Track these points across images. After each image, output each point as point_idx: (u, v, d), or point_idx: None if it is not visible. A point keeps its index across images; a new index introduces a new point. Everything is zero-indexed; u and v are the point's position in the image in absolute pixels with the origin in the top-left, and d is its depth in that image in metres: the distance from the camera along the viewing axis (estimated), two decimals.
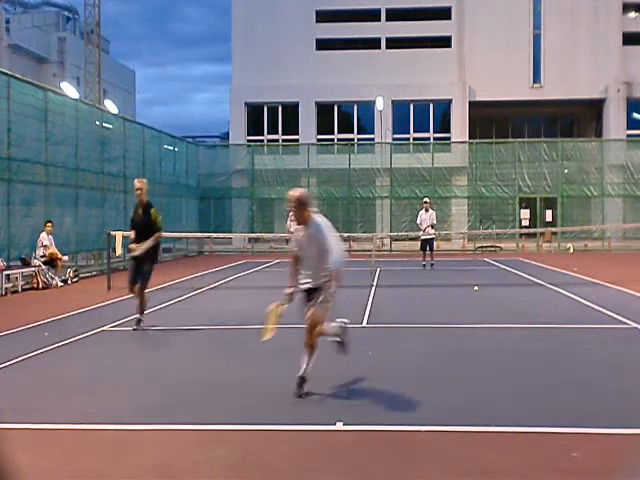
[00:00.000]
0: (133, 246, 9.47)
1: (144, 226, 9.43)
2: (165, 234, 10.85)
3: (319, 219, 5.95)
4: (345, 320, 6.46)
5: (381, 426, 5.03)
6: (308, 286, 6.04)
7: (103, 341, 8.81)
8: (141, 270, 9.40)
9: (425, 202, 19.12)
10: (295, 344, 8.44)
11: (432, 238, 18.95)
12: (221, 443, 4.79)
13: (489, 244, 28.36)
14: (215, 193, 30.13)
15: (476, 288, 13.72)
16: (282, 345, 8.38)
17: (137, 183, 9.81)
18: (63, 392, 6.22)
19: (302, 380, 5.88)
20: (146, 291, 9.64)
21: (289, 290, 6.16)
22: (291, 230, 20.55)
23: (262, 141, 35.76)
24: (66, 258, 16.24)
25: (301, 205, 5.89)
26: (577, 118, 40.40)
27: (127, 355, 8.02)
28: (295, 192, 5.95)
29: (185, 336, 9.24)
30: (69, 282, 15.94)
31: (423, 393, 6.04)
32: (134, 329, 9.36)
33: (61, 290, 15.00)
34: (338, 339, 6.38)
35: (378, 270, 17.53)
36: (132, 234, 9.59)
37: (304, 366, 5.93)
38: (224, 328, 9.63)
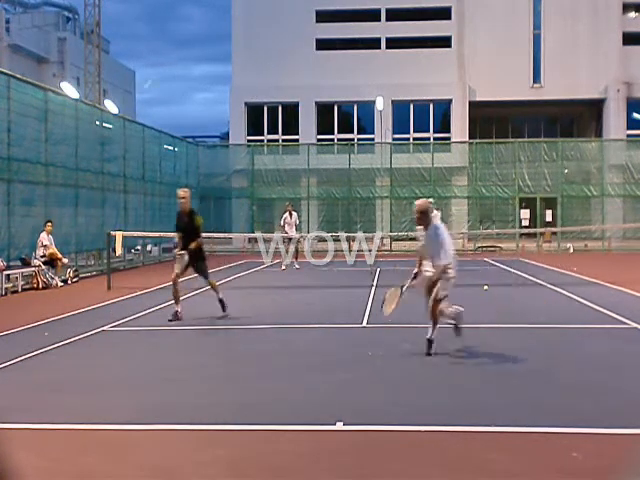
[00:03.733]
0: (178, 251, 10.52)
1: (190, 231, 10.32)
2: (165, 234, 11.23)
3: (438, 223, 7.51)
4: (460, 308, 7.80)
5: (381, 426, 5.03)
6: (429, 274, 7.54)
7: (103, 341, 8.81)
8: (195, 268, 10.44)
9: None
10: (295, 345, 8.46)
11: None
12: (221, 443, 4.79)
13: (489, 244, 28.35)
14: (215, 193, 30.11)
15: (486, 287, 13.71)
16: (282, 345, 8.40)
17: (181, 193, 10.56)
18: (63, 392, 6.22)
19: (430, 342, 7.41)
20: (214, 282, 10.62)
21: (413, 275, 7.75)
22: (286, 229, 20.60)
23: (262, 141, 35.74)
24: (66, 261, 16.22)
25: (424, 212, 7.51)
26: (577, 118, 40.39)
27: (127, 355, 8.02)
28: (420, 202, 7.63)
29: (185, 336, 9.25)
30: (69, 282, 15.93)
31: (423, 393, 6.05)
32: (221, 316, 10.26)
33: (61, 290, 15.00)
34: (454, 322, 7.74)
35: (378, 270, 17.52)
36: (178, 239, 10.64)
37: (430, 332, 7.43)
38: (224, 328, 9.63)
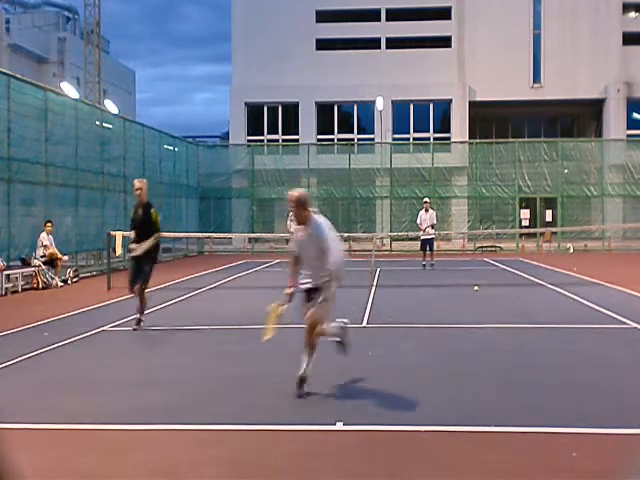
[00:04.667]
0: (133, 246, 9.55)
1: (144, 225, 9.51)
2: (165, 234, 10.85)
3: (319, 219, 6.05)
4: (345, 320, 6.48)
5: (381, 426, 5.03)
6: (308, 286, 6.09)
7: (103, 341, 8.81)
8: (141, 270, 9.46)
9: (425, 202, 19.25)
10: (295, 344, 8.45)
11: (432, 238, 19.02)
12: (221, 443, 4.79)
13: (489, 244, 28.36)
14: (215, 193, 30.12)
15: (476, 288, 13.70)
16: (282, 345, 8.38)
17: (137, 183, 9.89)
18: (63, 392, 6.21)
19: (302, 380, 5.90)
20: (146, 291, 9.69)
21: (289, 290, 6.19)
22: (291, 230, 20.62)
23: (262, 141, 35.75)
24: (66, 258, 16.24)
25: (300, 205, 5.98)
26: (577, 118, 40.39)
27: (127, 355, 8.02)
28: (295, 192, 6.06)
29: (185, 336, 9.24)
30: (69, 282, 15.93)
31: (423, 393, 6.04)
32: (134, 329, 9.39)
33: (61, 290, 15.00)
34: (338, 339, 6.43)
35: (378, 270, 17.52)
36: (133, 234, 9.64)
37: (304, 366, 5.96)
38: (224, 328, 9.63)
